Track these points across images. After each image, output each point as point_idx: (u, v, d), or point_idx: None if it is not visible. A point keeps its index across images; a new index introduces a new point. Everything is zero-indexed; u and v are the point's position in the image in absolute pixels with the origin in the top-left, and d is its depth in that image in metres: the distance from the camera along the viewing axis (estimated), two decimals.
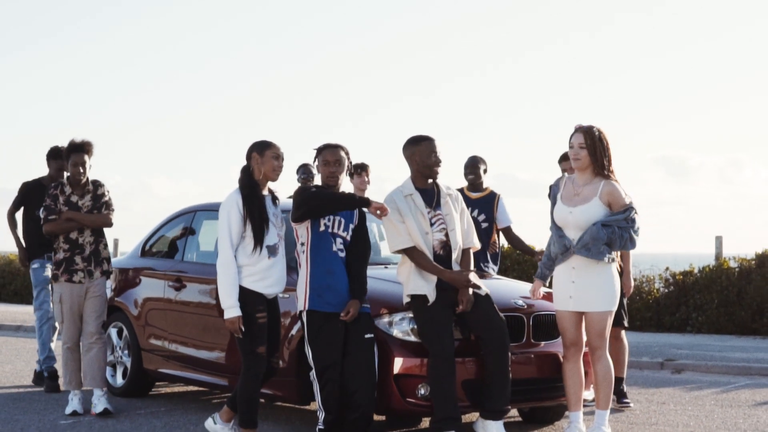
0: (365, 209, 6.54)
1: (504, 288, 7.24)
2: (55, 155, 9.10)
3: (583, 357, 6.63)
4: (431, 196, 6.62)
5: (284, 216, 6.62)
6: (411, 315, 6.51)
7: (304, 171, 9.81)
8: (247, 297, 6.28)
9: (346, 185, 6.65)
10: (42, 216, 7.94)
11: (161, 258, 8.74)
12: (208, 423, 6.58)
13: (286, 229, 6.62)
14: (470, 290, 6.47)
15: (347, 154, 6.55)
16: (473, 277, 6.50)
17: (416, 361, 6.45)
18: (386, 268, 7.49)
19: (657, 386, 9.58)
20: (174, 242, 8.71)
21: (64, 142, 8.24)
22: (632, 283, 7.92)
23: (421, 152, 6.59)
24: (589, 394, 6.85)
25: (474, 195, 8.75)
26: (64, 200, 7.81)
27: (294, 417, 7.62)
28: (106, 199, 7.95)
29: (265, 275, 6.34)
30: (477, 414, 6.57)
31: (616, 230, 6.37)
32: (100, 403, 7.66)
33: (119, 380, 8.65)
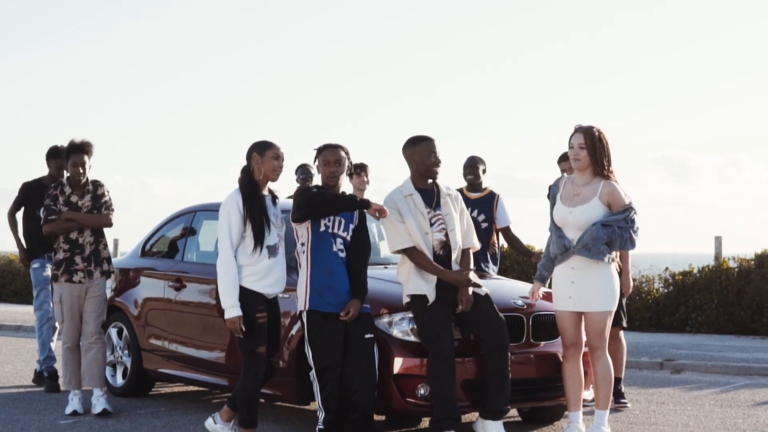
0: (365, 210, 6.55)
1: (503, 288, 7.25)
2: (54, 154, 9.11)
3: (583, 357, 6.64)
4: (431, 196, 6.63)
5: (284, 216, 6.62)
6: (411, 315, 6.52)
7: (302, 171, 9.82)
8: (247, 297, 6.28)
9: (345, 185, 6.66)
10: (42, 216, 7.95)
11: (161, 258, 8.75)
12: (209, 423, 6.58)
13: (286, 229, 6.63)
14: (470, 290, 6.47)
15: (347, 154, 6.56)
16: (473, 276, 6.50)
17: (416, 361, 6.46)
18: (386, 268, 7.50)
19: (656, 386, 9.58)
20: (174, 242, 8.72)
21: (64, 142, 8.26)
22: (631, 283, 7.92)
23: (420, 152, 6.59)
24: (588, 394, 6.86)
25: (473, 195, 8.75)
26: (63, 200, 7.82)
27: (294, 417, 7.62)
28: (106, 199, 7.96)
29: (266, 275, 6.34)
30: (477, 414, 6.58)
31: (616, 230, 6.38)
32: (99, 403, 7.67)
33: (119, 380, 8.65)
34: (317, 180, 9.70)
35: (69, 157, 7.85)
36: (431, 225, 6.54)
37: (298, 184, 9.86)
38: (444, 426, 6.29)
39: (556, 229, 6.59)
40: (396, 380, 6.43)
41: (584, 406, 6.76)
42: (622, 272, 7.83)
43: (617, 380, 8.01)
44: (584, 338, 6.62)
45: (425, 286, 6.43)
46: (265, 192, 6.48)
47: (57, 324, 8.64)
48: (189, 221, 8.60)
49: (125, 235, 21.34)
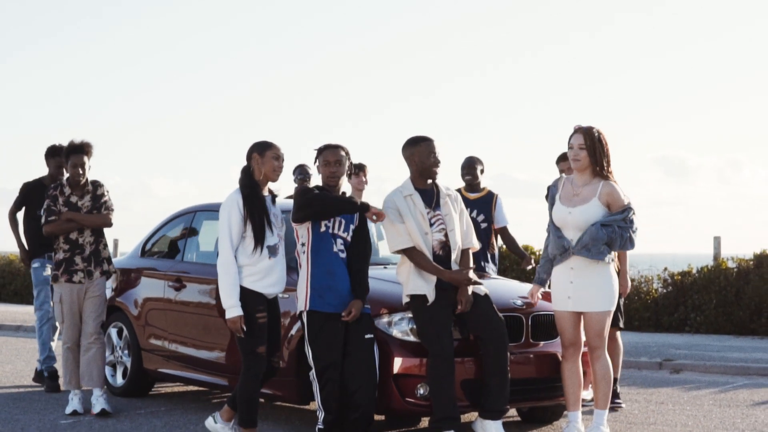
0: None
1: (503, 288, 7.26)
2: (53, 153, 9.12)
3: (582, 357, 6.65)
4: (431, 196, 6.64)
5: (284, 216, 6.64)
6: (410, 315, 6.53)
7: (300, 172, 9.83)
8: (247, 297, 6.30)
9: (344, 185, 6.67)
10: (42, 216, 7.96)
11: (161, 258, 8.76)
12: (209, 422, 6.60)
13: (286, 230, 6.64)
14: (469, 290, 6.49)
15: (347, 154, 6.57)
16: (473, 275, 6.52)
17: (415, 361, 6.47)
18: (385, 268, 7.51)
19: (655, 386, 9.60)
20: (174, 242, 8.73)
21: (64, 142, 8.27)
22: (629, 284, 7.93)
23: (420, 153, 6.60)
24: (587, 394, 6.88)
25: (472, 196, 8.76)
26: (63, 201, 7.83)
27: (294, 417, 7.64)
28: (106, 199, 7.97)
29: (266, 275, 6.36)
30: (476, 414, 6.59)
31: (616, 229, 6.39)
32: (98, 403, 7.68)
33: (119, 380, 8.66)
34: (315, 180, 9.72)
35: (68, 157, 7.86)
36: (431, 225, 6.55)
37: (296, 185, 9.87)
38: (443, 426, 6.30)
39: (555, 230, 6.60)
40: (396, 380, 6.44)
41: (583, 405, 6.78)
42: (620, 273, 7.84)
43: (614, 380, 8.02)
44: (583, 338, 6.64)
45: (425, 286, 6.44)
46: (265, 192, 6.49)
47: (57, 324, 8.65)
48: (189, 221, 8.62)
49: (125, 235, 21.37)
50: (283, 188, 8.44)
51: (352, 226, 6.51)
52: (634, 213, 6.47)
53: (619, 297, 7.83)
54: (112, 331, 8.75)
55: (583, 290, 6.47)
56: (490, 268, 8.61)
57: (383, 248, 8.24)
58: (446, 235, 6.58)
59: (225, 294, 6.28)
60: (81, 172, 7.84)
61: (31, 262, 9.29)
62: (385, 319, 6.58)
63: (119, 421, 7.49)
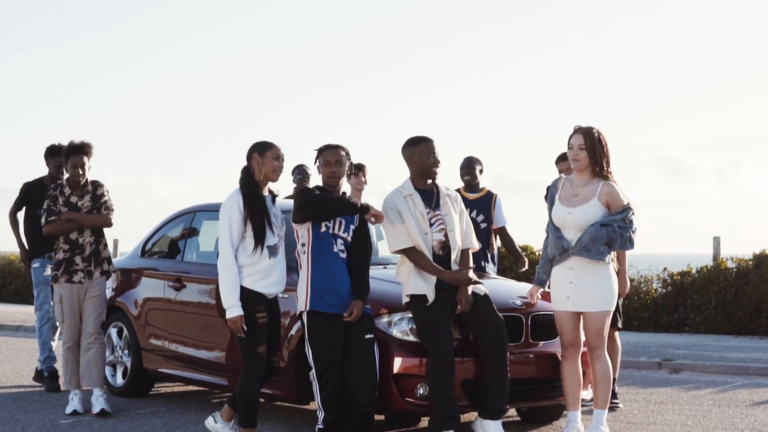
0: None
1: (502, 288, 7.27)
2: (53, 152, 9.13)
3: (581, 357, 6.66)
4: (430, 196, 6.65)
5: (284, 216, 6.65)
6: (410, 315, 6.54)
7: (299, 172, 9.84)
8: (247, 297, 6.30)
9: (344, 185, 6.68)
10: (42, 217, 7.96)
11: (161, 258, 8.77)
12: (209, 422, 6.60)
13: (286, 230, 6.65)
14: (469, 290, 6.50)
15: (347, 154, 6.58)
16: (472, 275, 6.53)
17: (415, 361, 6.48)
18: (385, 268, 7.52)
19: (655, 386, 9.61)
20: (174, 242, 8.74)
21: (64, 142, 8.28)
22: (628, 284, 7.93)
23: (420, 153, 6.61)
24: (587, 394, 6.89)
25: (471, 196, 8.77)
26: (63, 201, 7.84)
27: (294, 416, 7.64)
28: (106, 199, 7.98)
29: (266, 275, 6.36)
30: (476, 413, 6.60)
31: (616, 229, 6.40)
32: (98, 403, 7.68)
33: (119, 380, 8.67)
34: (314, 180, 9.73)
35: (68, 158, 7.87)
36: (431, 225, 6.56)
37: (295, 185, 9.88)
38: (443, 425, 6.31)
39: (554, 230, 6.61)
40: (395, 380, 6.45)
41: (583, 405, 6.79)
42: (619, 273, 7.84)
43: (612, 380, 8.03)
44: (583, 338, 6.65)
45: (425, 286, 6.45)
46: (265, 192, 6.50)
47: (58, 324, 8.66)
48: (189, 221, 8.63)
49: (125, 236, 21.38)
50: (282, 188, 8.44)
51: (352, 227, 6.51)
52: (633, 213, 6.48)
53: (618, 297, 7.84)
54: (112, 331, 8.76)
55: (582, 290, 6.48)
56: (490, 268, 8.62)
57: (383, 248, 8.25)
58: (446, 235, 6.59)
59: (225, 294, 6.29)
60: (81, 172, 7.84)
61: (31, 262, 9.30)
62: (385, 319, 6.59)
63: (119, 420, 7.50)
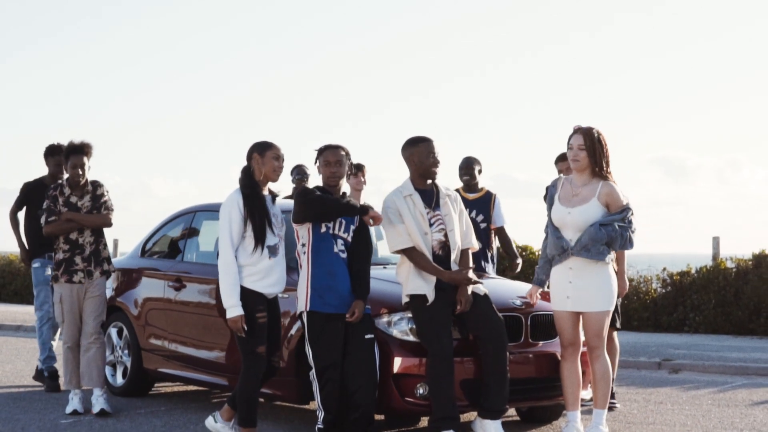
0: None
1: (502, 288, 7.27)
2: (52, 152, 9.14)
3: (581, 357, 6.67)
4: (430, 196, 6.65)
5: (284, 216, 6.65)
6: (410, 315, 6.55)
7: (298, 172, 9.85)
8: (247, 297, 6.31)
9: (343, 185, 6.68)
10: (42, 217, 7.97)
11: (161, 258, 8.78)
12: (209, 422, 6.61)
13: (287, 230, 6.65)
14: (469, 290, 6.51)
15: (347, 154, 6.59)
16: (472, 275, 6.53)
17: (415, 361, 6.48)
18: (385, 268, 7.53)
19: (654, 386, 9.62)
20: (174, 242, 8.74)
21: (63, 142, 8.29)
22: (627, 284, 7.92)
23: (419, 153, 6.62)
24: (586, 394, 6.90)
25: (471, 196, 8.77)
26: (63, 201, 7.84)
27: (293, 416, 7.65)
28: (106, 199, 7.99)
29: (266, 275, 6.37)
30: (475, 413, 6.61)
31: (616, 228, 6.41)
32: (98, 403, 7.69)
33: (119, 380, 8.68)
34: (312, 180, 9.74)
35: (68, 158, 7.88)
36: (430, 225, 6.57)
37: (294, 185, 9.89)
38: (443, 425, 6.32)
39: (553, 230, 6.62)
40: (395, 380, 6.46)
41: (582, 405, 6.80)
42: (618, 273, 7.85)
43: None
44: (582, 338, 6.66)
45: (424, 286, 6.46)
46: (265, 192, 6.51)
47: (59, 323, 8.67)
48: (189, 221, 8.63)
49: (125, 235, 21.39)
50: (282, 188, 8.45)
51: (352, 227, 6.52)
52: (632, 213, 6.49)
53: (617, 297, 7.84)
54: (112, 331, 8.77)
55: (582, 290, 6.48)
56: (490, 268, 8.63)
57: (383, 248, 8.25)
58: (446, 235, 6.60)
59: (226, 294, 6.30)
60: (80, 172, 7.85)
61: (31, 262, 9.31)
62: (385, 319, 6.60)
63: (119, 420, 7.50)
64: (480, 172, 8.92)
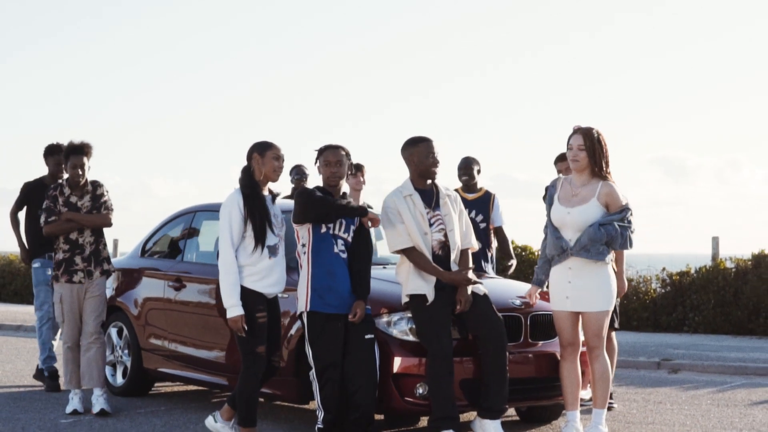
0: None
1: (501, 288, 7.28)
2: (52, 152, 9.15)
3: (580, 357, 6.68)
4: (430, 196, 6.66)
5: (284, 216, 6.66)
6: (409, 315, 6.56)
7: (297, 172, 9.85)
8: (247, 297, 6.32)
9: (343, 186, 6.69)
10: (42, 217, 7.97)
11: (161, 258, 8.78)
12: (209, 421, 6.62)
13: (287, 230, 6.66)
14: (469, 290, 6.51)
15: (348, 154, 6.60)
16: (472, 275, 6.54)
17: (415, 361, 6.49)
18: (384, 268, 7.54)
19: (654, 386, 9.63)
20: (174, 242, 8.75)
21: (63, 142, 8.30)
22: (626, 284, 7.92)
23: (419, 153, 6.63)
24: (586, 394, 6.90)
25: (470, 196, 8.77)
26: (63, 201, 7.85)
27: (293, 416, 7.66)
28: (105, 199, 8.00)
29: (266, 275, 6.38)
30: (475, 413, 6.61)
31: (616, 228, 6.42)
32: (98, 403, 7.70)
33: (119, 380, 8.69)
34: (312, 180, 9.75)
35: (68, 158, 7.88)
36: (430, 225, 6.58)
37: (293, 185, 9.90)
38: (442, 425, 6.33)
39: (553, 230, 6.62)
40: (395, 380, 6.46)
41: (581, 405, 6.80)
42: (617, 273, 7.86)
43: None
44: (581, 338, 6.66)
45: (424, 285, 6.47)
46: (265, 192, 6.52)
47: (59, 323, 8.67)
48: (189, 221, 8.64)
49: (125, 235, 21.39)
50: (282, 188, 8.45)
51: (352, 227, 6.53)
52: (631, 213, 6.50)
53: (616, 297, 7.84)
54: (112, 331, 8.78)
55: (581, 290, 6.49)
56: (489, 268, 8.63)
57: (382, 248, 8.26)
58: (446, 236, 6.60)
59: (226, 293, 6.31)
60: (80, 172, 7.86)
61: (31, 262, 9.31)
62: (385, 319, 6.60)
63: (119, 420, 7.51)
64: (479, 172, 8.92)
